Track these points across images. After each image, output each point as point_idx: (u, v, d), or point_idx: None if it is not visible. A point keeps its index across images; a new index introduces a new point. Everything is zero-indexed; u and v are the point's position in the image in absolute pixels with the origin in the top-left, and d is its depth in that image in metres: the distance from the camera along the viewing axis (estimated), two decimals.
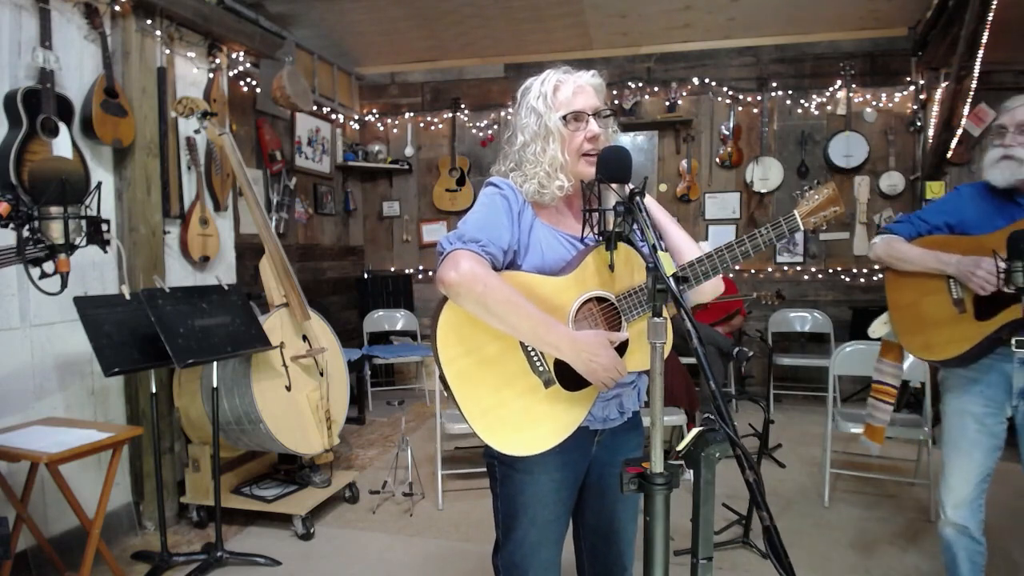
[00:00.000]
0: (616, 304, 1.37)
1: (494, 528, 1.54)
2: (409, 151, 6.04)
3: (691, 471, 1.01)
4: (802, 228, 1.40)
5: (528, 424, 1.34)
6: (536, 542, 1.44)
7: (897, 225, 2.05)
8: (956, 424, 1.95)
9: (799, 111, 5.28)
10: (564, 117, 1.38)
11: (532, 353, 1.34)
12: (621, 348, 1.36)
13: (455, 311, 1.32)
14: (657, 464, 1.05)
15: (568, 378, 1.34)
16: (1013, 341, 1.81)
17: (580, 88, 1.40)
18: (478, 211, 1.38)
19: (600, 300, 1.39)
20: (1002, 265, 1.75)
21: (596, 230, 1.27)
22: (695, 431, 1.01)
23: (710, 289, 1.50)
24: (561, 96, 1.39)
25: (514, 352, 1.34)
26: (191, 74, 3.30)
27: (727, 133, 5.40)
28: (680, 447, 1.01)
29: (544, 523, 1.44)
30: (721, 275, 1.45)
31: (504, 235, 1.34)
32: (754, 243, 1.37)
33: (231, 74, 3.71)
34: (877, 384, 2.35)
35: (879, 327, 2.14)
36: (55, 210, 1.82)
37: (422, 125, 6.01)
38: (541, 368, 1.34)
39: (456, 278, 1.24)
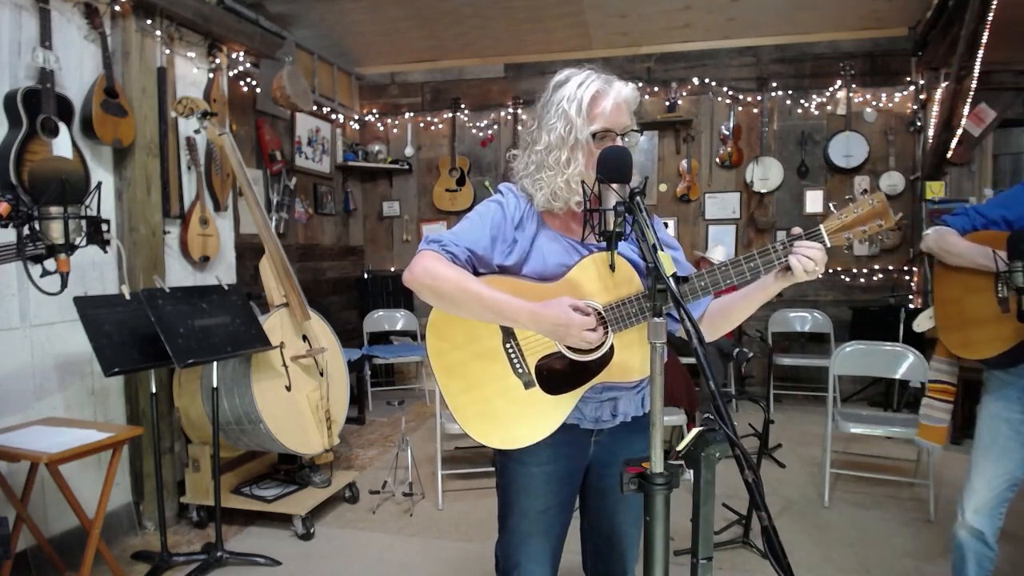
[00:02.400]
0: (604, 315, 1.32)
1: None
2: (409, 151, 6.04)
3: (691, 471, 1.01)
4: (828, 244, 1.24)
5: (506, 421, 1.39)
6: (527, 532, 1.47)
7: (952, 217, 1.96)
8: (990, 428, 1.90)
9: (799, 111, 5.28)
10: (595, 134, 1.33)
11: (512, 355, 1.38)
12: (608, 356, 1.34)
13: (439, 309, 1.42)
14: (657, 464, 1.05)
15: (550, 382, 1.37)
16: None
17: (618, 106, 1.34)
18: (466, 218, 1.42)
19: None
20: (1003, 266, 1.71)
21: (596, 230, 1.27)
22: (695, 431, 1.01)
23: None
24: (598, 109, 1.33)
25: (498, 353, 1.39)
26: (191, 74, 3.30)
27: (727, 133, 5.40)
28: (680, 447, 1.02)
29: (535, 514, 1.46)
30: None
31: (480, 239, 1.37)
32: (766, 259, 1.25)
33: (231, 74, 3.71)
34: (933, 384, 2.27)
35: (924, 321, 2.08)
36: (55, 210, 1.82)
37: (422, 125, 6.01)
38: (521, 370, 1.38)
39: (409, 276, 1.33)
